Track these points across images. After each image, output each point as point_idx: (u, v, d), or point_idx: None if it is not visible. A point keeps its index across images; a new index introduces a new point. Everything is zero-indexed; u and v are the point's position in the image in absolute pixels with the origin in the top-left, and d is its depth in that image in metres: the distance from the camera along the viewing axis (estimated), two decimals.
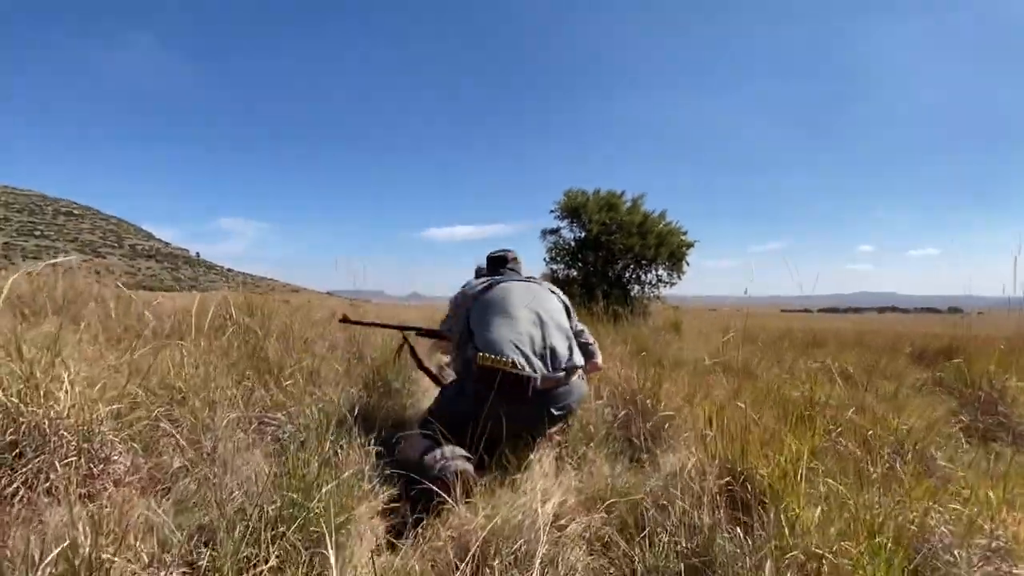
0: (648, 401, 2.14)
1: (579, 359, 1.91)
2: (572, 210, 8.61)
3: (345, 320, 2.67)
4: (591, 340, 2.23)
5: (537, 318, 1.93)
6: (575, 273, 8.72)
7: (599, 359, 2.26)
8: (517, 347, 1.78)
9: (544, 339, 1.86)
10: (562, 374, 1.82)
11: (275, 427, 1.73)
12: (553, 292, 2.20)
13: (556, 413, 1.83)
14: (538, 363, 1.79)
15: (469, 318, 1.97)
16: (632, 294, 8.63)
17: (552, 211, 9.08)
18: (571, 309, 2.21)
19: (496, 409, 1.67)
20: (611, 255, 8.37)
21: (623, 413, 2.16)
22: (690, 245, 8.42)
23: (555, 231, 9.16)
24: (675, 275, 8.67)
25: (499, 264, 2.33)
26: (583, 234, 8.71)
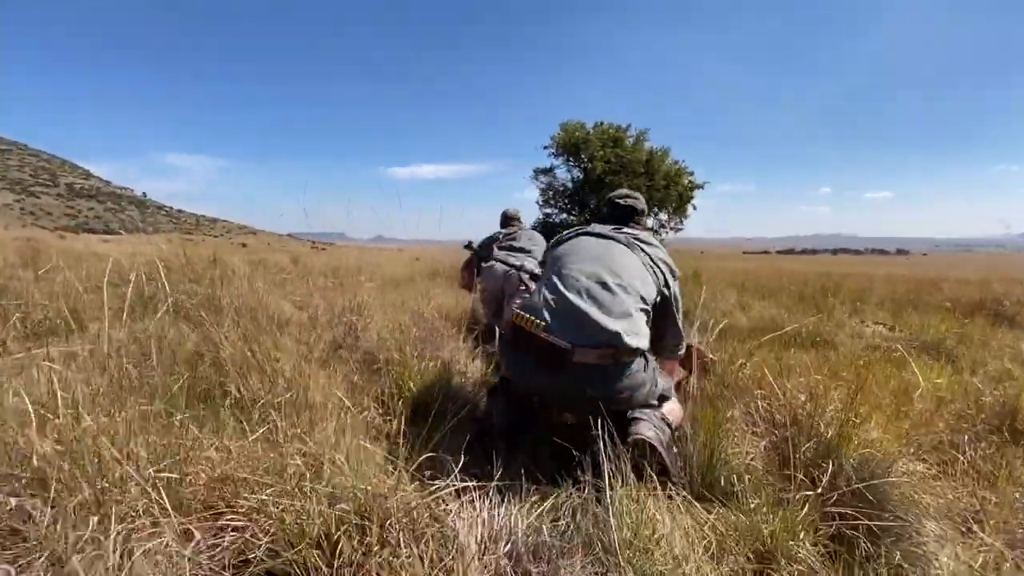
0: (813, 420, 1.44)
1: (635, 341, 1.46)
2: (570, 146, 7.67)
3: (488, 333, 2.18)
4: (677, 338, 1.76)
5: (588, 278, 1.57)
6: (573, 219, 7.90)
7: (676, 361, 1.87)
8: (553, 308, 1.51)
9: (582, 300, 1.51)
10: (600, 351, 1.43)
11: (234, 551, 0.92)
12: (639, 252, 1.70)
13: (596, 397, 1.44)
14: (568, 329, 1.47)
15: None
16: None
17: (546, 147, 8.14)
18: (665, 277, 1.69)
19: (535, 381, 1.50)
20: None
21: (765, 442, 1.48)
22: (699, 187, 7.70)
23: (548, 171, 8.26)
24: (679, 219, 8.00)
25: (622, 215, 1.96)
26: (581, 175, 7.83)
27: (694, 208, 7.68)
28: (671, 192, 7.41)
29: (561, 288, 1.53)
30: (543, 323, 1.46)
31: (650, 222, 8.00)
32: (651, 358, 1.53)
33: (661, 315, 1.66)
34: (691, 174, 7.57)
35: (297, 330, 2.06)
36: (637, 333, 1.47)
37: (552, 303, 1.50)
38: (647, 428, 1.38)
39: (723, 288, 5.49)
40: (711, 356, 2.06)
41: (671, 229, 7.92)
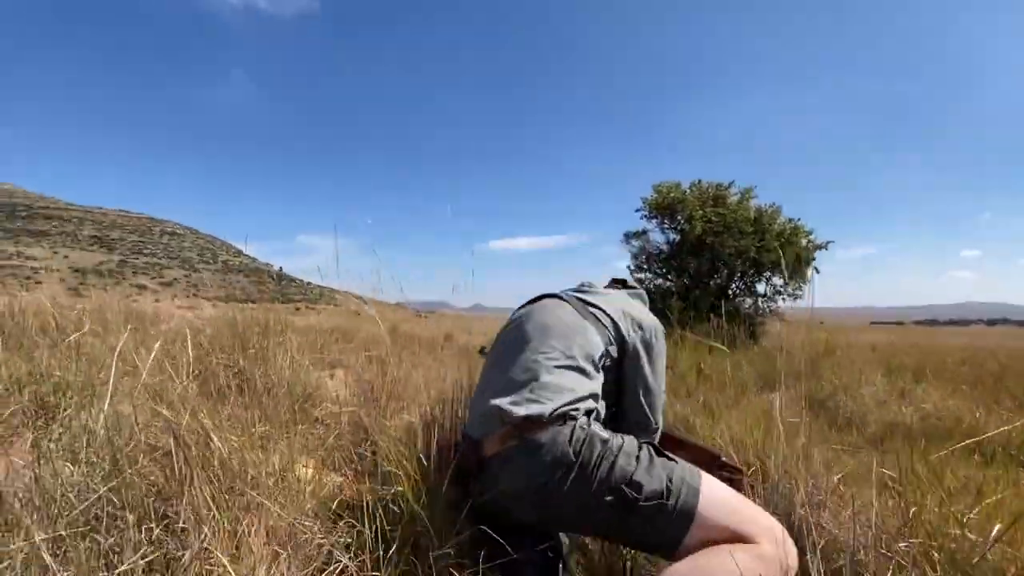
0: None
1: (527, 408, 1.02)
2: (664, 207, 7.11)
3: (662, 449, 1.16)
4: (641, 416, 1.25)
5: (498, 365, 1.19)
6: (669, 283, 7.18)
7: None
8: (481, 396, 1.15)
9: (512, 371, 1.12)
10: (502, 430, 1.03)
11: None
12: (575, 300, 1.32)
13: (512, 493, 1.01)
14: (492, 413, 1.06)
15: None
16: (743, 308, 6.95)
17: (638, 210, 7.62)
18: (627, 326, 1.25)
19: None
20: (716, 260, 6.76)
21: None
22: (821, 247, 6.65)
23: (641, 233, 7.70)
24: (798, 284, 6.89)
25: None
26: (677, 236, 7.18)
27: (817, 272, 6.61)
28: (787, 253, 6.45)
29: (493, 369, 1.21)
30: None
31: (762, 287, 7.03)
32: (590, 422, 1.03)
33: (620, 377, 1.23)
34: (810, 233, 6.59)
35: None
36: (538, 400, 1.03)
37: (480, 389, 1.21)
38: None
39: (863, 366, 4.40)
40: (738, 466, 1.26)
41: (789, 295, 6.84)
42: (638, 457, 0.97)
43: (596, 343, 1.18)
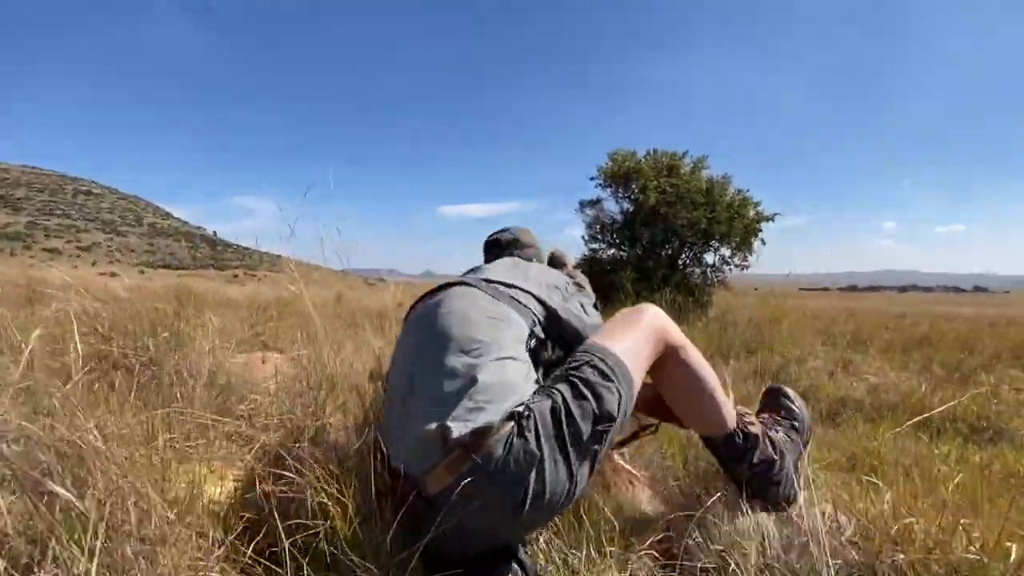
0: None
1: (489, 414, 0.85)
2: (619, 176, 7.00)
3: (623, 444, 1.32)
4: (585, 313, 1.24)
5: (443, 340, 0.99)
6: (623, 254, 7.16)
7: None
8: (406, 420, 0.94)
9: (439, 380, 0.92)
10: (448, 458, 0.83)
11: None
12: (486, 286, 1.16)
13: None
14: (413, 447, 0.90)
15: None
16: (693, 279, 7.06)
17: (592, 178, 7.48)
18: (540, 287, 1.21)
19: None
20: (668, 231, 6.78)
21: None
22: (767, 219, 6.79)
23: (596, 202, 7.59)
24: (744, 255, 7.06)
25: (491, 250, 1.61)
26: (631, 206, 7.12)
27: (763, 243, 6.77)
28: (735, 225, 6.54)
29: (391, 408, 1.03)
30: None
31: (710, 258, 7.14)
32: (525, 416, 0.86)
33: (561, 337, 1.17)
34: (757, 204, 6.70)
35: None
36: (481, 407, 0.87)
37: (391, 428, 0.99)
38: None
39: (804, 336, 4.55)
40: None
41: (736, 267, 6.99)
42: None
43: (521, 325, 1.07)
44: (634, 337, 1.03)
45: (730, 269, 7.14)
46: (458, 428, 0.82)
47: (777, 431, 1.20)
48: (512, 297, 1.13)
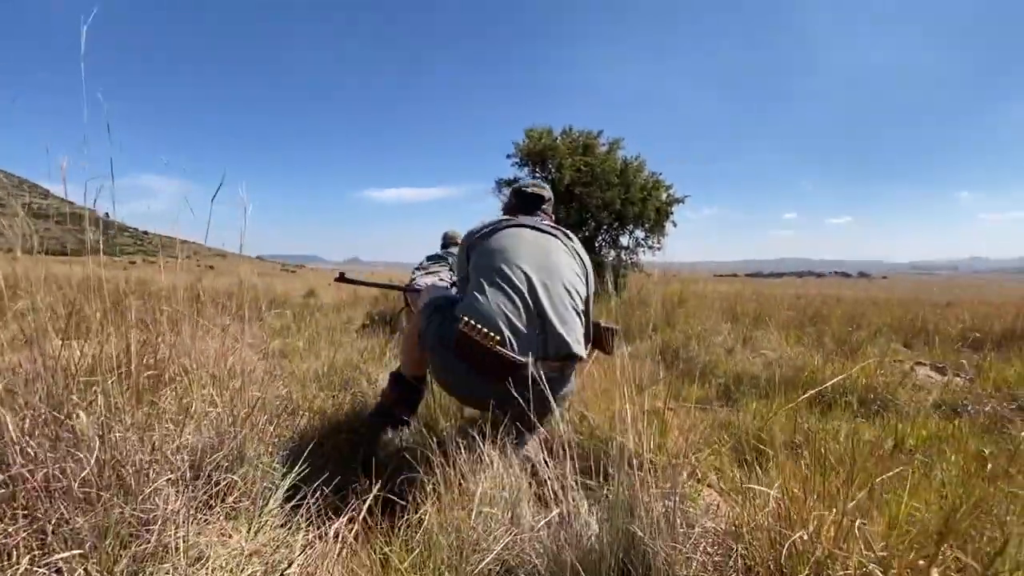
0: None
1: (581, 349, 1.49)
2: (536, 154, 6.75)
3: (342, 279, 2.37)
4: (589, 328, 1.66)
5: (543, 285, 1.49)
6: None
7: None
8: (510, 320, 1.42)
9: (544, 313, 1.45)
10: (557, 364, 1.46)
11: None
12: (571, 249, 1.66)
13: (536, 401, 1.29)
14: (529, 342, 1.43)
15: (469, 263, 1.63)
16: (607, 261, 7.00)
17: (509, 156, 7.18)
18: (590, 272, 1.66)
19: (480, 391, 1.44)
20: (583, 212, 6.64)
21: None
22: (678, 201, 6.85)
23: (512, 182, 7.30)
24: (656, 238, 7.11)
25: (532, 205, 1.81)
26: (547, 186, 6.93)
27: (674, 225, 6.82)
28: (648, 206, 6.52)
29: (514, 294, 1.44)
30: (497, 337, 1.38)
31: (624, 240, 7.11)
32: None
33: (588, 311, 1.62)
34: (669, 187, 6.73)
35: None
36: (580, 340, 1.50)
37: (509, 315, 1.42)
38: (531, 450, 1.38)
39: (709, 315, 4.55)
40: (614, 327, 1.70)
41: (649, 248, 7.01)
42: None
43: (583, 291, 1.58)
44: None
45: (643, 251, 7.17)
46: (574, 350, 1.44)
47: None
48: (580, 262, 1.63)
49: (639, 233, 7.10)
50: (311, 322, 4.19)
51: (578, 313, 1.51)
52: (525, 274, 1.46)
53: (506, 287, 1.44)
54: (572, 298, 1.49)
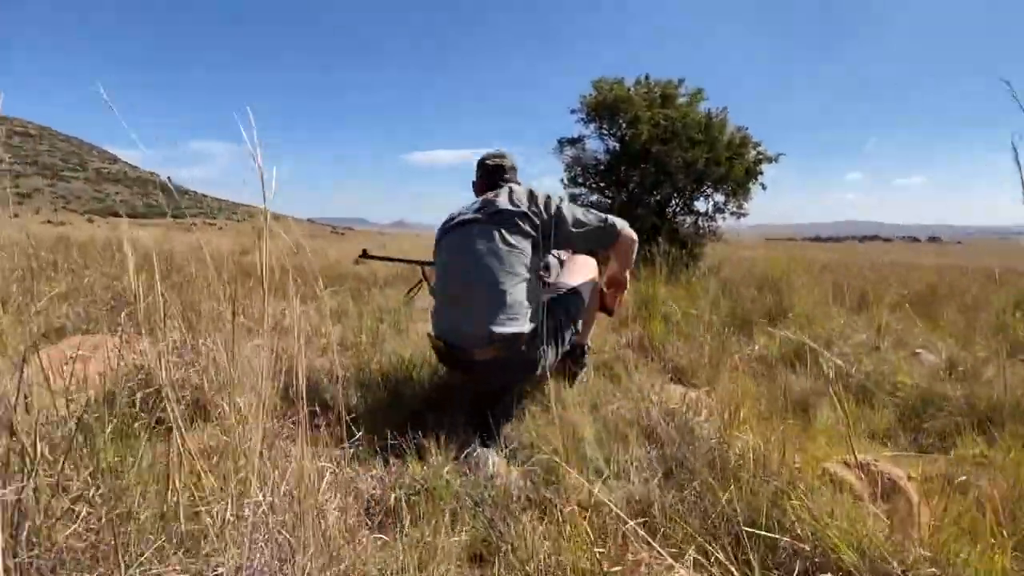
0: None
1: (513, 327, 1.60)
2: (605, 108, 6.02)
3: (365, 256, 2.44)
4: (599, 221, 1.77)
5: (469, 285, 1.68)
6: (608, 200, 6.30)
7: (623, 239, 1.81)
8: (455, 325, 1.69)
9: (472, 306, 1.65)
10: (496, 346, 1.59)
11: None
12: (500, 215, 1.70)
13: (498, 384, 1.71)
14: (477, 338, 1.61)
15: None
16: (683, 229, 6.29)
17: (573, 111, 6.47)
18: (540, 198, 1.74)
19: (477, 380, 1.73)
20: (660, 173, 5.91)
21: None
22: (771, 159, 6.00)
23: (577, 140, 6.63)
24: (740, 202, 6.30)
25: (495, 175, 1.93)
26: (617, 144, 6.21)
27: (763, 188, 6.02)
28: (736, 167, 5.73)
29: (457, 305, 1.70)
30: (441, 340, 1.68)
31: (701, 205, 6.37)
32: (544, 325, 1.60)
33: (558, 234, 1.69)
34: (758, 144, 5.89)
35: None
36: (514, 317, 1.59)
37: (455, 320, 1.68)
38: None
39: (822, 297, 3.87)
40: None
41: (732, 214, 6.24)
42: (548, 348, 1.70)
43: (527, 251, 1.67)
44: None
45: (723, 217, 6.41)
46: (499, 329, 1.56)
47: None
48: (519, 225, 1.67)
49: (718, 197, 6.33)
50: (368, 298, 3.86)
51: (522, 280, 1.63)
52: (460, 281, 1.71)
53: (449, 297, 1.74)
54: (505, 272, 1.61)
